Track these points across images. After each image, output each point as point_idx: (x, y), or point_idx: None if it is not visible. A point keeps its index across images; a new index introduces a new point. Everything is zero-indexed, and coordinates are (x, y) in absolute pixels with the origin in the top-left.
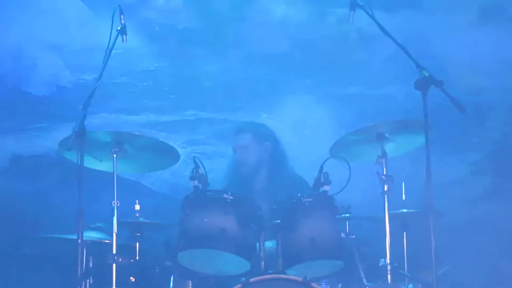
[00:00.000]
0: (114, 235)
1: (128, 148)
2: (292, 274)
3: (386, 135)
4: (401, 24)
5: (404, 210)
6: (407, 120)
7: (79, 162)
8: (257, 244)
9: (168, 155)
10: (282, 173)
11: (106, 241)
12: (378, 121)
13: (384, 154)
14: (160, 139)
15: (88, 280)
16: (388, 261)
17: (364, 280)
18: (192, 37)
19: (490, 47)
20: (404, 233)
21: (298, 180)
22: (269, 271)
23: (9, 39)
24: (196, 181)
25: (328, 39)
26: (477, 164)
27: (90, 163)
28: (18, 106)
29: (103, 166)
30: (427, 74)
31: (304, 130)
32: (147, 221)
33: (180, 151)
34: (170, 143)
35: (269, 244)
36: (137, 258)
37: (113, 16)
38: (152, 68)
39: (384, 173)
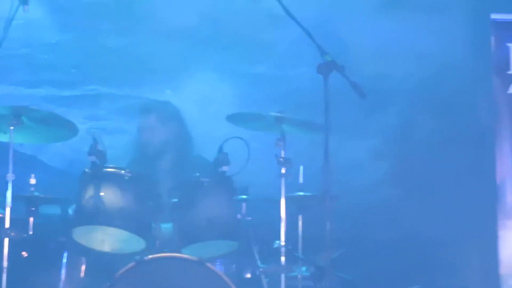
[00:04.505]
0: (8, 209)
1: (26, 121)
2: (187, 254)
3: (284, 126)
4: (309, 7)
5: (301, 193)
6: (308, 120)
7: None
8: (153, 222)
9: (66, 128)
10: (186, 155)
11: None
12: (281, 105)
13: (283, 137)
14: (59, 113)
15: None
16: (282, 243)
17: (258, 262)
18: (97, 11)
19: (395, 35)
20: (300, 216)
21: (201, 159)
22: (164, 250)
23: None
24: (93, 157)
25: (237, 17)
26: (376, 150)
27: None
28: None
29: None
30: (329, 59)
31: (208, 107)
32: (43, 195)
33: (79, 126)
34: (68, 118)
35: (165, 225)
36: (31, 233)
37: None
38: (54, 41)
39: (282, 155)
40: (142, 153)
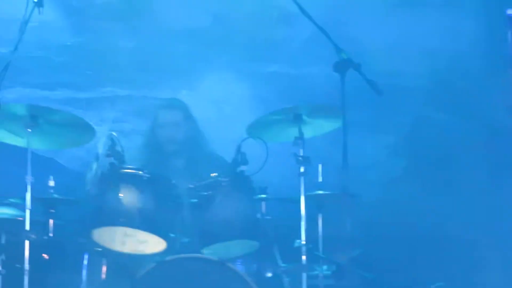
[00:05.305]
0: (27, 211)
1: (43, 124)
2: (208, 254)
3: (304, 117)
4: (321, 5)
5: (320, 192)
6: (325, 104)
7: None
8: (173, 223)
9: (83, 132)
10: (202, 154)
11: (19, 218)
12: (296, 103)
13: (301, 136)
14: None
15: (0, 257)
16: (303, 242)
17: (279, 261)
18: (111, 12)
19: (407, 31)
20: (319, 214)
21: (218, 159)
22: (185, 251)
23: None
24: (112, 158)
25: (249, 15)
26: (392, 147)
27: (4, 137)
28: None
29: (17, 141)
30: (345, 57)
31: (224, 108)
32: (62, 197)
33: (96, 128)
34: (86, 120)
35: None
36: (51, 235)
37: None
38: (69, 43)
39: (301, 154)
40: (159, 151)
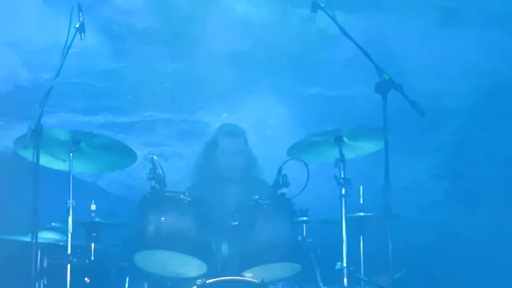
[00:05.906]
0: (69, 235)
1: (85, 147)
2: (249, 277)
3: (345, 139)
4: (362, 26)
5: (361, 214)
6: (366, 126)
7: (35, 160)
8: (214, 246)
9: (125, 155)
10: (255, 178)
11: (61, 243)
12: (337, 126)
13: (342, 158)
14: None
15: (42, 281)
16: (344, 264)
17: (321, 284)
18: (152, 37)
19: (449, 50)
20: (361, 236)
21: (262, 184)
22: (226, 273)
23: None
24: (153, 182)
25: (290, 39)
26: (434, 168)
27: (48, 162)
28: None
29: (59, 165)
30: (387, 77)
31: (265, 130)
32: (103, 221)
33: (137, 152)
34: (127, 144)
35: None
36: (92, 258)
37: (71, 14)
38: (110, 68)
39: (342, 176)
40: (215, 176)
